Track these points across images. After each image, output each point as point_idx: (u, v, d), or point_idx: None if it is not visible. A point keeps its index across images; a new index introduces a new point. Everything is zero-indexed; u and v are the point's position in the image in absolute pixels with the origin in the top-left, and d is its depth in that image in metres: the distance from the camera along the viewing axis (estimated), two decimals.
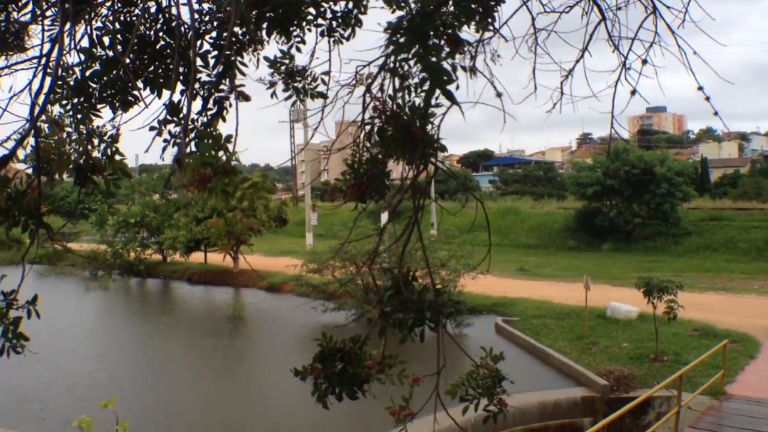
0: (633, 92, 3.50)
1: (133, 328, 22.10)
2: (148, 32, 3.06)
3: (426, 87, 2.71)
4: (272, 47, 3.24)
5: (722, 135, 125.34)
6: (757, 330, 17.95)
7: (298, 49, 3.28)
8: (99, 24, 3.09)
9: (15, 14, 3.24)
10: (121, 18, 3.08)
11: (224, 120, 2.77)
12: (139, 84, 3.07)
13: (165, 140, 2.93)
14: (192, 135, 2.87)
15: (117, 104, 3.02)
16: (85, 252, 35.31)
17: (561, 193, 56.17)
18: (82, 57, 3.05)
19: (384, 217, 21.03)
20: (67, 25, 2.76)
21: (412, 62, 2.70)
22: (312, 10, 3.26)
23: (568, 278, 27.36)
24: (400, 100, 2.77)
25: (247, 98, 2.80)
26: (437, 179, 51.52)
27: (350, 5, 3.34)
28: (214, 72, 2.98)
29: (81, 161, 3.20)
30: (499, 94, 3.12)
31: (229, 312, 22.45)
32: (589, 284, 17.76)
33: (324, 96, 3.14)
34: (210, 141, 2.48)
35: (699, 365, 14.23)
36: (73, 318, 23.52)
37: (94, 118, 3.09)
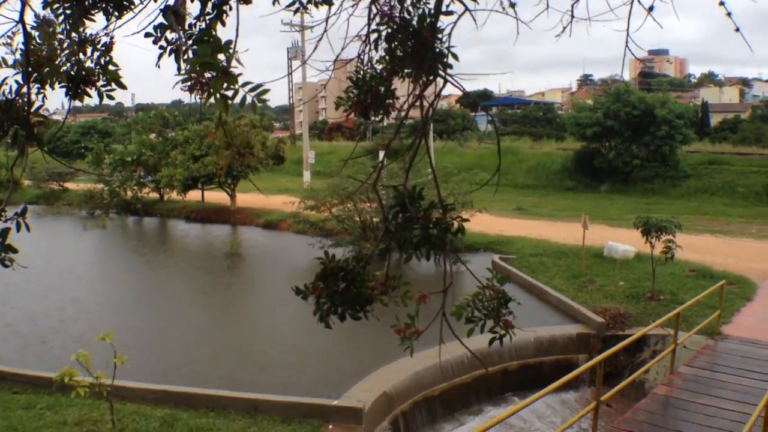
0: (650, 9, 3.34)
1: (131, 265, 22.12)
2: None
3: None
4: None
5: (724, 80, 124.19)
6: (753, 273, 18.00)
7: None
8: None
9: None
10: None
11: (224, 24, 2.62)
12: None
13: (161, 47, 2.79)
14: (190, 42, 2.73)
15: (110, 8, 2.87)
16: (83, 191, 35.18)
17: (560, 134, 55.78)
18: None
19: (382, 154, 20.86)
20: None
21: None
22: None
23: (566, 218, 27.37)
24: (409, 7, 2.64)
25: (247, 1, 2.66)
26: (436, 119, 51.14)
27: None
28: None
29: (73, 72, 3.06)
30: (512, 4, 2.97)
31: (226, 249, 22.43)
32: (587, 223, 17.72)
33: (329, 2, 2.99)
34: (209, 44, 2.36)
35: (695, 305, 14.28)
36: (71, 256, 23.54)
37: (87, 23, 2.95)
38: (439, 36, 2.79)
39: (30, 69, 2.86)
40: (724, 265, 18.44)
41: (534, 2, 3.51)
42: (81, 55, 3.05)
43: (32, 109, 2.91)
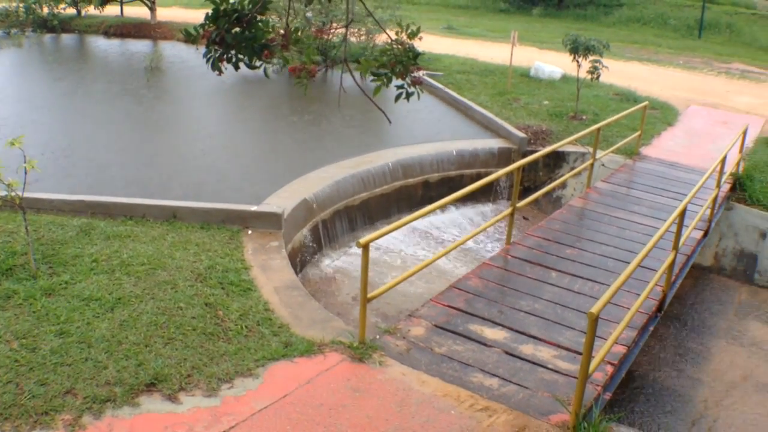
0: None
1: (47, 82, 20.78)
2: None
3: None
4: None
5: None
6: (677, 100, 18.15)
7: None
8: None
9: None
10: None
11: None
12: None
13: None
14: None
15: None
16: None
17: None
18: None
19: None
20: None
21: None
22: None
23: (496, 39, 26.91)
24: None
25: None
26: None
27: None
28: None
29: None
30: None
31: (145, 63, 21.28)
32: (515, 40, 17.34)
33: None
34: None
35: (616, 127, 14.40)
36: None
37: None
38: None
39: None
40: (648, 91, 18.52)
41: None
42: None
43: None
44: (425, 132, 14.25)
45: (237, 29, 2.64)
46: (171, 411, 5.28)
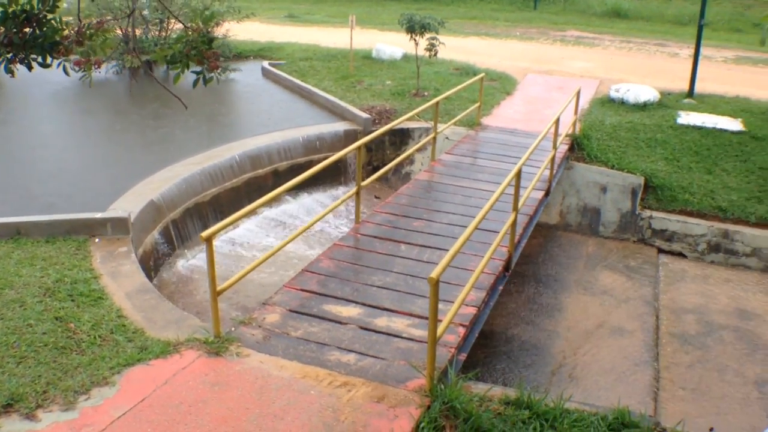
0: None
1: None
2: None
3: None
4: None
5: None
6: (515, 70, 18.84)
7: None
8: None
9: None
10: None
11: None
12: None
13: None
14: None
15: None
16: None
17: None
18: None
19: None
20: None
21: None
22: None
23: (338, 24, 27.04)
24: None
25: None
26: None
27: None
28: None
29: None
30: None
31: None
32: (353, 23, 17.50)
33: None
34: None
35: (457, 100, 14.81)
36: None
37: None
38: None
39: None
40: (487, 64, 19.12)
41: None
42: None
43: None
44: (271, 121, 14.16)
45: (27, 29, 2.56)
46: (30, 429, 5.12)
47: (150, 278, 9.25)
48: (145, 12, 18.38)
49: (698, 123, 14.15)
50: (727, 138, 13.62)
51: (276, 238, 11.22)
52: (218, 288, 6.09)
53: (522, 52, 22.06)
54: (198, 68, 3.15)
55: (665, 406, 8.30)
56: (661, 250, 12.11)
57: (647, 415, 5.60)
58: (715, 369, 9.02)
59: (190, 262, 10.37)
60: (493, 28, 28.08)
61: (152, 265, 9.65)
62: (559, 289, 10.78)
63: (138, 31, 18.57)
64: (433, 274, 5.04)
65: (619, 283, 11.07)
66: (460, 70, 18.18)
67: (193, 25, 3.16)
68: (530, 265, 11.41)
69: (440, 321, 5.51)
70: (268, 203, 12.10)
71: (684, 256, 11.96)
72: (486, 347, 9.13)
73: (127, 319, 6.80)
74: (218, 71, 3.02)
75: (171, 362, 5.92)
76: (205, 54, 2.99)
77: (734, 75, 19.98)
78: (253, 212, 11.70)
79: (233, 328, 6.41)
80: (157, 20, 18.63)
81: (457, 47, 20.69)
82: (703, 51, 21.87)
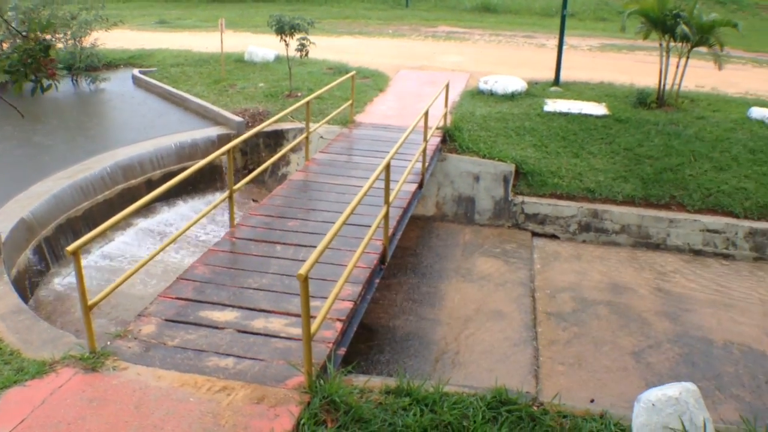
0: None
1: None
2: None
3: None
4: None
5: None
6: (388, 68, 19.13)
7: None
8: None
9: None
10: None
11: None
12: None
13: None
14: None
15: None
16: None
17: None
18: None
19: None
20: None
21: None
22: None
23: (210, 28, 26.70)
24: None
25: None
26: None
27: None
28: None
29: None
30: None
31: None
32: (223, 27, 17.35)
33: None
34: None
35: (331, 99, 14.93)
36: None
37: None
38: None
39: None
40: (360, 62, 19.33)
41: None
42: None
43: None
44: (143, 130, 13.88)
45: None
46: None
47: (27, 298, 8.97)
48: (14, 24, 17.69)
49: (564, 110, 14.79)
50: (592, 122, 14.29)
51: (153, 249, 11.02)
52: (89, 302, 5.97)
53: (394, 50, 22.41)
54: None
55: (546, 382, 8.67)
56: (534, 234, 12.61)
57: (525, 392, 5.85)
58: (592, 343, 9.48)
59: (66, 279, 10.06)
60: (365, 27, 28.38)
61: (28, 284, 9.33)
62: (438, 278, 11.05)
63: (5, 45, 17.88)
64: (302, 271, 5.11)
65: (496, 268, 11.45)
66: (333, 69, 18.32)
67: (32, 34, 3.14)
68: (409, 257, 11.64)
69: (315, 317, 5.59)
70: (144, 214, 11.95)
71: (557, 238, 12.48)
72: (369, 340, 9.27)
73: (2, 341, 6.60)
74: (57, 78, 3.01)
75: (47, 381, 5.77)
76: (42, 62, 2.98)
77: (599, 62, 20.96)
78: (128, 224, 11.59)
79: (109, 342, 6.29)
80: (24, 33, 17.94)
81: (331, 47, 20.83)
82: (569, 40, 22.88)
